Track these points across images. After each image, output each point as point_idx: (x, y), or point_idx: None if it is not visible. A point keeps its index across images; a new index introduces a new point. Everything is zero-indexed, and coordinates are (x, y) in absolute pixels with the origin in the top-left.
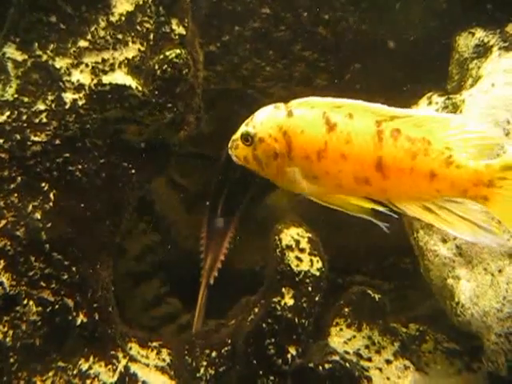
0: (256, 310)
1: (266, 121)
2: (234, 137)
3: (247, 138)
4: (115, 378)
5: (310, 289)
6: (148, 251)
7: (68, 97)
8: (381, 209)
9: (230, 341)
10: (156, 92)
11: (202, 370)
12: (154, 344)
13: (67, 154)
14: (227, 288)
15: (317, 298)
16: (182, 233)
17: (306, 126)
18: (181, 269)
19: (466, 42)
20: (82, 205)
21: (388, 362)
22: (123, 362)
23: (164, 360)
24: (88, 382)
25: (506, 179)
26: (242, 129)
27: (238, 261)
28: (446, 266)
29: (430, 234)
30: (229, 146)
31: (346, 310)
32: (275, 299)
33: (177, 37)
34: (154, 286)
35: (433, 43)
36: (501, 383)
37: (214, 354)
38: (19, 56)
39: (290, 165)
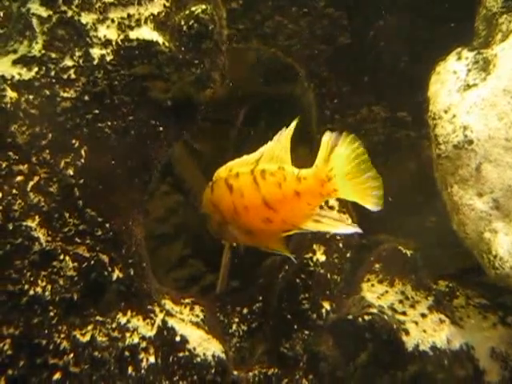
0: (286, 267)
1: (204, 201)
2: None
3: (205, 218)
4: (154, 331)
5: (340, 245)
6: (171, 213)
7: (96, 52)
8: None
9: (260, 297)
10: (182, 48)
11: (234, 327)
12: (187, 301)
13: (96, 111)
14: (251, 248)
15: (348, 254)
16: (201, 196)
17: (220, 195)
18: (203, 230)
19: None
20: (113, 162)
21: (423, 315)
22: (160, 316)
23: (198, 316)
24: (127, 334)
25: (332, 168)
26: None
27: None
28: (482, 219)
29: (464, 189)
30: None
31: (377, 266)
32: (307, 255)
33: None
34: (177, 247)
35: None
36: None
37: (245, 310)
38: (44, 12)
39: (229, 227)
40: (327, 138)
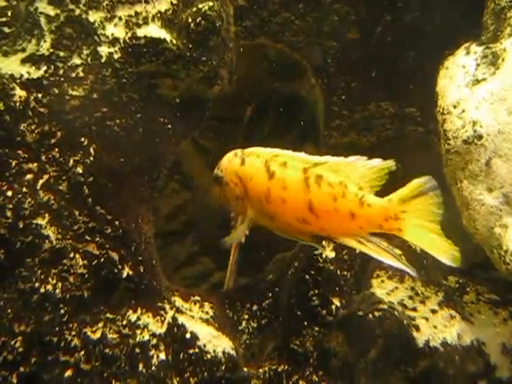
0: (296, 263)
1: (227, 167)
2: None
3: (217, 181)
4: (164, 328)
5: None
6: (179, 210)
7: (104, 50)
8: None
9: (270, 294)
10: (190, 45)
11: (243, 323)
12: (196, 298)
13: (105, 109)
14: (259, 246)
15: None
16: (210, 193)
17: (254, 174)
18: (212, 228)
19: None
20: (122, 159)
21: (433, 311)
22: (170, 313)
23: (207, 313)
24: (138, 332)
25: (405, 212)
26: (214, 172)
27: None
28: (492, 214)
29: (474, 184)
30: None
31: None
32: (316, 252)
33: None
34: (186, 245)
35: None
36: None
37: (254, 307)
38: (51, 11)
39: (248, 205)
40: (421, 181)
